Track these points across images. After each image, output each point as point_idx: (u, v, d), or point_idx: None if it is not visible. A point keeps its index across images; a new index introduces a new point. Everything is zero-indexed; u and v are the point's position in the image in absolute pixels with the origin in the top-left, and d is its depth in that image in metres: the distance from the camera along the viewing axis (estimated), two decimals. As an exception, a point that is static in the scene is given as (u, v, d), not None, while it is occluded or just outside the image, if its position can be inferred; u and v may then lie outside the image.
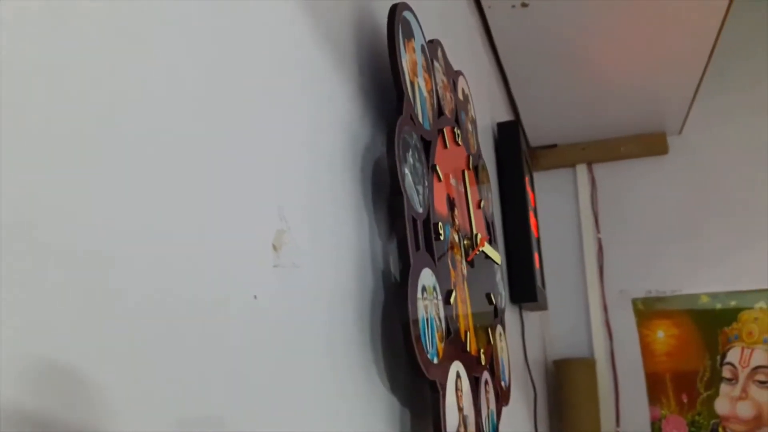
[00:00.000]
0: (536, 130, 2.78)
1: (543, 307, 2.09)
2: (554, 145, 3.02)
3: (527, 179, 2.04)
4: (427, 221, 0.68)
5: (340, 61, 0.62)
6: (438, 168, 0.76)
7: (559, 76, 2.09)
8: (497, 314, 1.03)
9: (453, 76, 0.97)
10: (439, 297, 0.68)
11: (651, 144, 2.75)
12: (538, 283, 1.81)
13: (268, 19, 0.50)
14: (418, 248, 0.65)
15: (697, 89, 2.19)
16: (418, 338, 0.58)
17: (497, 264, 1.00)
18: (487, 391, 0.86)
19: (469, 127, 1.03)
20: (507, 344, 1.06)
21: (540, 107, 2.42)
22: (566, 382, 2.60)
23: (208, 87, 0.41)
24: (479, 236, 0.87)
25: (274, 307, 0.43)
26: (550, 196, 3.06)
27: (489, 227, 1.10)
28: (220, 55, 0.43)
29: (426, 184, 0.70)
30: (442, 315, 0.68)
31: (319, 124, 0.56)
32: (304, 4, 0.56)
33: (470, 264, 0.89)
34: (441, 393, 0.63)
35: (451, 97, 0.92)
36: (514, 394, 1.62)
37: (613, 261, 3.05)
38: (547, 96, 2.29)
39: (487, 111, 1.73)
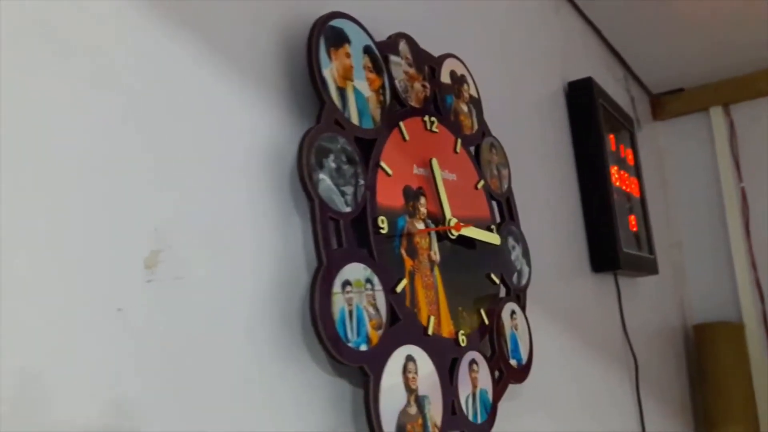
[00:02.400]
0: (655, 76, 2.59)
1: (650, 271, 1.97)
2: (681, 90, 2.79)
3: (614, 137, 1.92)
4: (360, 218, 0.73)
5: (262, 82, 0.69)
6: (384, 164, 0.80)
7: (664, 15, 1.95)
8: (510, 293, 1.04)
9: (432, 62, 0.98)
10: (377, 288, 0.73)
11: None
12: (626, 248, 1.72)
13: (160, 37, 0.58)
14: (341, 245, 0.70)
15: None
16: (331, 332, 0.64)
17: (496, 245, 1.00)
18: (473, 371, 0.88)
19: (464, 108, 1.03)
20: (527, 322, 1.06)
21: (653, 52, 2.28)
22: (708, 349, 2.43)
23: (79, 111, 0.51)
24: (453, 221, 0.89)
25: (144, 317, 0.52)
26: (681, 145, 2.84)
27: (501, 206, 1.09)
28: (95, 74, 0.52)
29: (361, 182, 0.75)
30: (382, 304, 0.73)
31: (231, 146, 0.64)
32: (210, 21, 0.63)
33: (459, 247, 0.91)
34: (371, 377, 0.69)
35: (424, 87, 0.93)
36: (610, 366, 1.58)
37: (760, 213, 2.76)
38: (658, 39, 2.15)
39: (557, 73, 1.68)
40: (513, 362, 1.00)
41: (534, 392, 1.12)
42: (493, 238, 0.98)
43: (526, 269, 1.12)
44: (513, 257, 1.08)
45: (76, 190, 0.50)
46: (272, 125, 0.69)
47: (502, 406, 0.94)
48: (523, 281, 1.10)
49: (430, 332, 0.80)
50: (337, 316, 0.66)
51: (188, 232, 0.58)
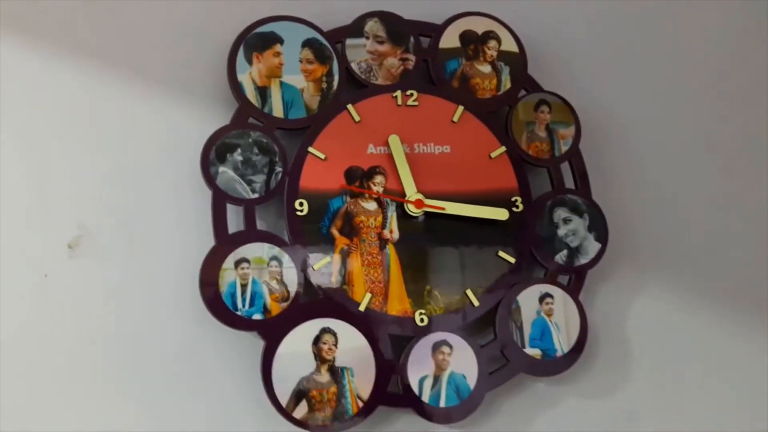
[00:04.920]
0: None
1: None
2: None
3: None
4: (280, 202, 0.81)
5: (192, 90, 0.85)
6: (315, 150, 0.84)
7: None
8: (547, 274, 0.90)
9: (427, 30, 0.93)
10: (286, 265, 0.80)
11: None
12: None
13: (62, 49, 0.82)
14: (248, 226, 0.80)
15: None
16: (217, 301, 0.76)
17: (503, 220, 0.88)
18: (441, 353, 0.84)
19: (483, 69, 0.94)
20: (580, 307, 0.90)
21: None
22: None
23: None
24: (415, 198, 0.85)
25: (66, 282, 0.76)
26: None
27: (550, 172, 0.95)
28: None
29: (278, 170, 0.82)
30: (292, 280, 0.80)
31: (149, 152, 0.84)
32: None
33: (443, 222, 0.87)
34: (265, 342, 0.77)
35: (403, 60, 0.91)
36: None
37: None
38: None
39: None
40: (533, 352, 0.88)
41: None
42: (492, 213, 0.88)
43: (592, 246, 0.94)
44: (562, 233, 0.93)
45: (19, 190, 0.78)
46: (194, 129, 0.84)
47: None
48: (582, 260, 0.93)
49: (362, 308, 0.82)
50: (224, 288, 0.77)
51: (107, 221, 0.80)
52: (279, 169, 0.83)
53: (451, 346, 0.85)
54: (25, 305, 0.76)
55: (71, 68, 0.84)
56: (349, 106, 0.88)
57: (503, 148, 0.93)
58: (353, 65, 0.90)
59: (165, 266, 0.81)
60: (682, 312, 1.02)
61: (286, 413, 0.77)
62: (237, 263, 0.79)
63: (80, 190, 0.81)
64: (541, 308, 0.91)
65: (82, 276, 0.78)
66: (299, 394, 0.78)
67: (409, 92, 0.91)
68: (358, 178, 0.86)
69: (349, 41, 0.90)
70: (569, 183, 0.97)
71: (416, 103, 0.91)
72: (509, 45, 0.98)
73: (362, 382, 0.81)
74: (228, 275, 0.79)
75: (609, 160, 1.04)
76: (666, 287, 1.01)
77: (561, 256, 0.93)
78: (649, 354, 0.99)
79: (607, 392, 0.96)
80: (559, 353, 0.89)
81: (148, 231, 0.82)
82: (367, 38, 0.91)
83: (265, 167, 0.83)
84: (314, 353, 0.80)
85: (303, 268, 0.81)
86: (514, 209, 0.91)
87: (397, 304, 0.85)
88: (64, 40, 0.84)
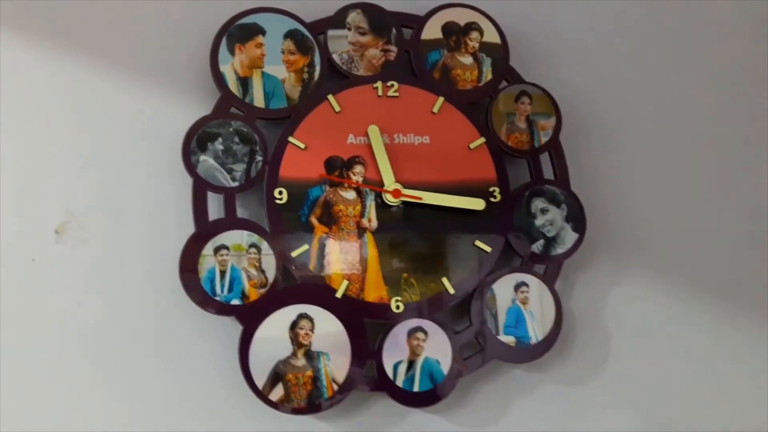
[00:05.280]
0: None
1: None
2: None
3: None
4: (245, 190, 0.83)
5: (177, 81, 0.87)
6: (295, 139, 0.86)
7: None
8: (524, 263, 0.92)
9: (409, 21, 0.94)
10: (265, 252, 0.82)
11: None
12: None
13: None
14: (228, 214, 0.82)
15: None
16: (195, 286, 0.79)
17: (478, 209, 0.90)
18: (416, 339, 0.86)
19: (464, 60, 0.95)
20: (555, 296, 0.92)
21: None
22: None
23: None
24: (393, 188, 0.87)
25: (52, 265, 0.79)
26: None
27: (529, 163, 0.96)
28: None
29: (258, 159, 0.84)
30: (270, 266, 0.82)
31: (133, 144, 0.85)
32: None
33: (421, 211, 0.89)
34: (243, 327, 0.80)
35: (384, 51, 0.92)
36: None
37: None
38: None
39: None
40: (507, 339, 0.90)
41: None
42: (469, 203, 0.90)
43: (569, 236, 0.96)
44: (539, 223, 0.95)
45: (6, 178, 0.80)
46: (176, 118, 0.86)
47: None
48: (558, 250, 0.95)
49: (339, 295, 0.84)
50: (203, 274, 0.80)
51: (94, 208, 0.83)
52: (259, 158, 0.85)
53: (426, 333, 0.87)
54: (16, 287, 0.80)
55: (57, 58, 0.86)
56: (330, 97, 0.89)
57: (482, 139, 0.94)
58: (335, 56, 0.91)
59: (147, 252, 0.84)
60: (658, 301, 1.03)
61: (262, 395, 0.80)
62: (216, 250, 0.81)
63: (66, 177, 0.83)
64: (516, 296, 0.92)
65: (67, 260, 0.81)
66: (276, 377, 0.81)
67: (390, 83, 0.92)
68: (337, 168, 0.88)
69: (331, 32, 0.91)
70: (549, 174, 0.99)
71: (397, 94, 0.92)
72: (492, 36, 0.98)
73: (338, 367, 0.83)
74: (207, 261, 0.81)
75: (589, 151, 1.05)
76: (643, 277, 1.03)
77: (537, 246, 0.95)
78: (626, 342, 1.00)
79: (583, 380, 0.98)
80: (533, 341, 0.91)
81: (131, 218, 0.84)
82: (349, 29, 0.92)
83: (246, 156, 0.85)
84: (291, 338, 0.82)
85: (281, 255, 0.84)
86: (492, 199, 0.93)
87: (374, 291, 0.87)
88: (48, 31, 0.86)
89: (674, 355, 1.02)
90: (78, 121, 0.85)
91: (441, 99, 0.94)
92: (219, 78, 0.85)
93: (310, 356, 0.82)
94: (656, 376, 1.01)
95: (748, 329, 1.06)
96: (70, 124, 0.85)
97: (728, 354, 1.04)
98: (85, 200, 0.83)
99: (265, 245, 0.83)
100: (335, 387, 0.82)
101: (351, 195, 0.88)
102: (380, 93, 0.92)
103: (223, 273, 0.81)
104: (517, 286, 0.93)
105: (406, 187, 0.89)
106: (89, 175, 0.84)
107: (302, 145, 0.87)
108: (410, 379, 0.86)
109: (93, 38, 0.88)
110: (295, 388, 0.81)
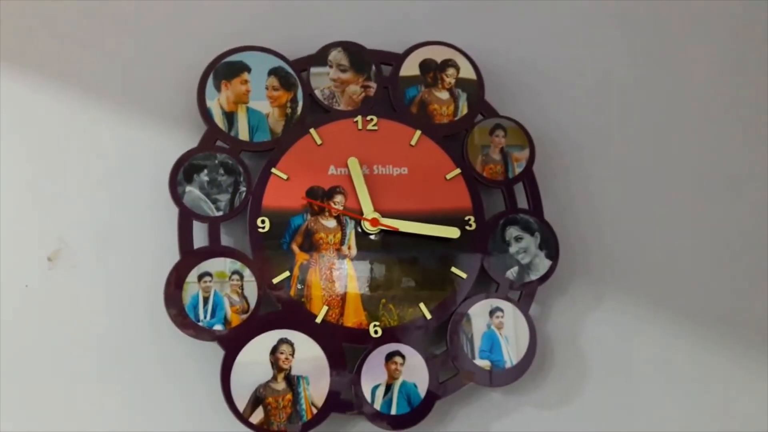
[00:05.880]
0: None
1: None
2: None
3: None
4: (229, 219, 0.87)
5: (168, 116, 0.91)
6: (278, 171, 0.90)
7: None
8: (498, 289, 0.95)
9: (388, 59, 0.99)
10: (247, 279, 0.85)
11: None
12: None
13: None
14: (212, 242, 0.86)
15: None
16: (179, 313, 0.82)
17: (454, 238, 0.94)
18: (394, 363, 0.89)
19: (441, 95, 1.00)
20: (529, 321, 0.95)
21: None
22: None
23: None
24: (371, 216, 0.91)
25: (45, 291, 0.82)
26: None
27: (504, 193, 1.00)
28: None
29: (242, 189, 0.88)
30: (252, 293, 0.85)
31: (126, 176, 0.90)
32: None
33: (400, 240, 0.92)
34: (225, 352, 0.83)
35: (364, 87, 0.97)
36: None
37: None
38: None
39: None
40: (482, 363, 0.93)
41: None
42: (444, 232, 0.93)
43: (543, 263, 0.99)
44: (513, 250, 0.98)
45: (5, 210, 0.84)
46: (164, 150, 0.90)
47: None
48: (532, 276, 0.98)
49: (318, 320, 0.87)
50: (187, 300, 0.83)
51: (84, 236, 0.86)
52: (243, 188, 0.89)
53: (403, 357, 0.90)
54: (9, 313, 0.83)
55: (51, 91, 0.90)
56: (312, 130, 0.94)
57: (458, 170, 0.98)
58: (317, 92, 0.96)
59: (134, 279, 0.87)
60: (633, 325, 1.06)
61: (243, 418, 0.82)
62: (200, 277, 0.85)
63: (58, 206, 0.87)
64: (492, 321, 0.96)
65: (59, 287, 0.84)
66: (256, 401, 0.83)
67: (369, 117, 0.97)
68: (318, 197, 0.92)
69: (313, 69, 0.96)
70: (523, 203, 1.03)
71: (376, 128, 0.97)
72: (467, 72, 1.03)
73: (317, 390, 0.86)
74: (191, 288, 0.84)
75: (563, 180, 1.09)
76: (617, 302, 1.06)
77: (512, 272, 0.98)
78: (602, 366, 1.03)
79: (560, 403, 1.01)
80: (508, 365, 0.94)
81: (120, 246, 0.88)
82: (331, 66, 0.97)
83: (230, 187, 0.88)
84: (272, 362, 0.85)
85: (263, 282, 0.87)
86: (468, 227, 0.96)
87: (353, 316, 0.90)
88: (42, 64, 0.91)
89: (650, 379, 1.05)
90: (71, 152, 0.89)
91: (418, 132, 0.98)
92: (205, 113, 0.90)
93: (290, 380, 0.85)
94: (633, 399, 1.03)
95: (726, 353, 1.09)
96: (63, 156, 0.89)
97: (706, 377, 1.07)
98: (76, 229, 0.87)
99: (247, 272, 0.87)
100: (314, 410, 0.85)
101: (332, 223, 0.92)
102: (360, 127, 0.96)
103: (206, 299, 0.84)
104: (492, 312, 0.96)
105: (385, 215, 0.93)
106: (80, 205, 0.88)
107: (285, 176, 0.91)
108: (388, 403, 0.88)
109: (86, 73, 0.92)
110: (275, 411, 0.83)
